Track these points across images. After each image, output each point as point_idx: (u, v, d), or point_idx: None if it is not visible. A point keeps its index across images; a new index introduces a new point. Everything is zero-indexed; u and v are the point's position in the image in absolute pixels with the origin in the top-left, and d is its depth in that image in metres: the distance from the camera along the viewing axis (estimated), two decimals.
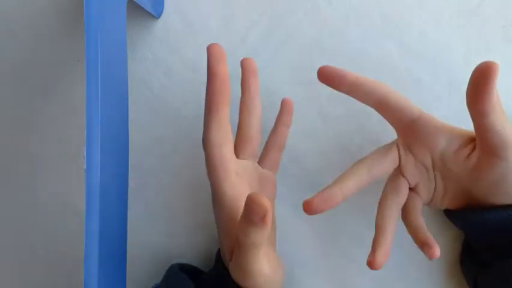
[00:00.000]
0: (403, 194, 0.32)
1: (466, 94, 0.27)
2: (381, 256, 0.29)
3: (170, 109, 0.37)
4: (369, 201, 0.36)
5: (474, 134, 0.29)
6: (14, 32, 0.37)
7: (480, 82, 0.25)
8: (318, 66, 0.36)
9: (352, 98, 0.36)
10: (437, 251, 0.29)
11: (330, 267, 0.36)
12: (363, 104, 0.36)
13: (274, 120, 0.35)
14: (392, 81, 0.36)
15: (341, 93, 0.36)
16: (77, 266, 0.37)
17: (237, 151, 0.32)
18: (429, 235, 0.30)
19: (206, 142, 0.27)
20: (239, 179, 0.29)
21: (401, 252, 0.36)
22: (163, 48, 0.37)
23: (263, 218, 0.23)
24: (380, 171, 0.31)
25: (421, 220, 0.31)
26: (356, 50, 0.36)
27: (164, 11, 0.37)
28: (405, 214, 0.32)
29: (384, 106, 0.30)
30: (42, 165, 0.37)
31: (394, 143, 0.32)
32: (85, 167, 0.24)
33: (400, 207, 0.32)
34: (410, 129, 0.30)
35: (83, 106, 0.24)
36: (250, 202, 0.23)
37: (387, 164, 0.31)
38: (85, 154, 0.24)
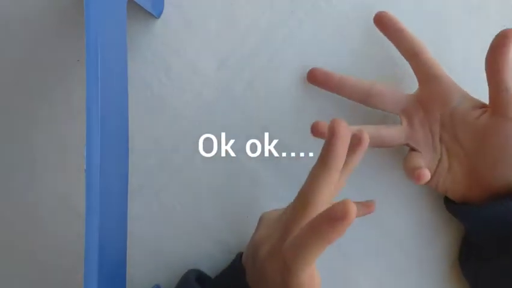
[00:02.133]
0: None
1: (486, 57, 0.30)
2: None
3: (170, 109, 0.37)
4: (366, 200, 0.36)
5: (485, 103, 0.32)
6: (14, 32, 0.37)
7: (497, 45, 0.29)
8: (318, 66, 0.36)
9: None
10: (425, 173, 0.31)
11: (330, 267, 0.36)
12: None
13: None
14: (391, 81, 0.36)
15: None
16: (77, 266, 0.37)
17: None
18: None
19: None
20: None
21: (401, 251, 0.36)
22: (163, 48, 0.37)
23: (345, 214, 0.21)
24: (386, 133, 0.33)
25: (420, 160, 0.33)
26: (356, 50, 0.36)
27: (164, 11, 0.37)
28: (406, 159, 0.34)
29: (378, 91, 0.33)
30: (42, 165, 0.37)
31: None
32: (85, 167, 0.24)
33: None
34: (425, 89, 0.33)
35: (83, 106, 0.24)
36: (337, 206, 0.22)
37: (394, 132, 0.34)
38: (85, 154, 0.24)
